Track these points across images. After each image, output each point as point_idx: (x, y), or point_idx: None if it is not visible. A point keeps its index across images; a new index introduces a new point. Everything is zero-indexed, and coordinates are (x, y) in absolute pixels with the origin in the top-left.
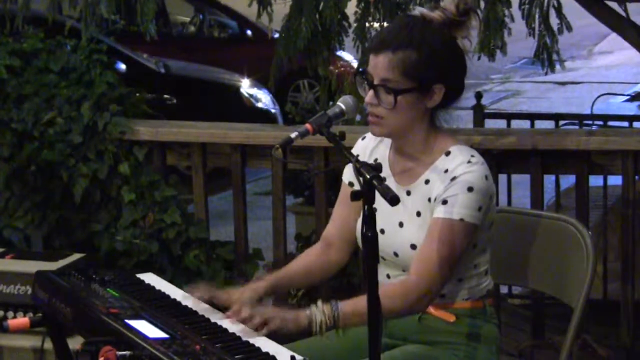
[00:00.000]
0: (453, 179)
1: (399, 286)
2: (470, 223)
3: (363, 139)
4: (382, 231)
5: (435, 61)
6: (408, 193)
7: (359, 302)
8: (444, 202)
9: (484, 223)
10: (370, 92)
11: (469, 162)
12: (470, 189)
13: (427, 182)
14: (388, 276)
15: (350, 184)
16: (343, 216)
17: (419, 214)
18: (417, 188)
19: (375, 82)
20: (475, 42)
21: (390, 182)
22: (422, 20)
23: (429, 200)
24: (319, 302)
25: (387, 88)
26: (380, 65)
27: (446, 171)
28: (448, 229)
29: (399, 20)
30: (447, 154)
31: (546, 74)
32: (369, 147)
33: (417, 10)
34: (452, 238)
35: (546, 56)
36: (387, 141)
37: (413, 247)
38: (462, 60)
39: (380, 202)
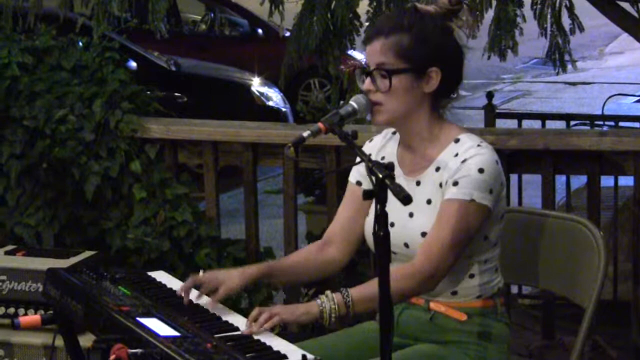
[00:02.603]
0: (464, 161)
1: (407, 267)
2: (481, 204)
3: (370, 141)
4: (392, 224)
5: (428, 42)
6: (418, 183)
7: (369, 288)
8: (455, 183)
9: (496, 212)
10: (368, 80)
11: (478, 145)
12: (481, 170)
13: (437, 169)
14: None
15: (359, 183)
16: (347, 216)
17: (429, 201)
18: (427, 177)
19: (371, 68)
20: (469, 33)
21: (399, 176)
22: (414, 9)
23: (440, 185)
24: (328, 292)
25: (382, 72)
26: (374, 51)
27: (456, 155)
28: (458, 210)
29: (391, 12)
30: (457, 141)
31: (558, 74)
32: (376, 146)
33: (411, 3)
34: (463, 219)
35: (558, 56)
36: (395, 138)
37: (424, 234)
38: (456, 46)
39: (389, 196)
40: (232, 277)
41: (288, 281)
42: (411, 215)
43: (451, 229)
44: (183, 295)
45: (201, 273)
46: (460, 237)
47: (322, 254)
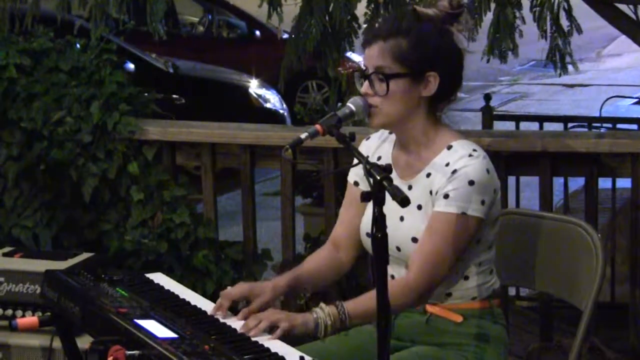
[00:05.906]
0: (454, 172)
1: (401, 283)
2: (472, 216)
3: (367, 139)
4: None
5: (426, 46)
6: (409, 187)
7: (365, 301)
8: (446, 196)
9: (489, 218)
10: (366, 83)
11: (470, 155)
12: (471, 183)
13: (428, 175)
14: (392, 277)
15: (356, 184)
16: (349, 218)
17: (419, 207)
18: (418, 182)
19: (369, 71)
20: (468, 37)
21: (393, 177)
22: (414, 12)
23: (430, 192)
24: (323, 305)
25: (380, 76)
26: (372, 55)
27: (447, 164)
28: (449, 223)
29: (390, 15)
30: (449, 148)
31: (560, 75)
32: (373, 146)
33: (410, 6)
34: (453, 232)
35: (558, 58)
36: (391, 139)
37: (414, 240)
38: (456, 50)
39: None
40: (264, 292)
41: (311, 288)
42: (402, 219)
43: (442, 243)
44: (219, 313)
45: (228, 288)
46: (452, 250)
47: (333, 258)
